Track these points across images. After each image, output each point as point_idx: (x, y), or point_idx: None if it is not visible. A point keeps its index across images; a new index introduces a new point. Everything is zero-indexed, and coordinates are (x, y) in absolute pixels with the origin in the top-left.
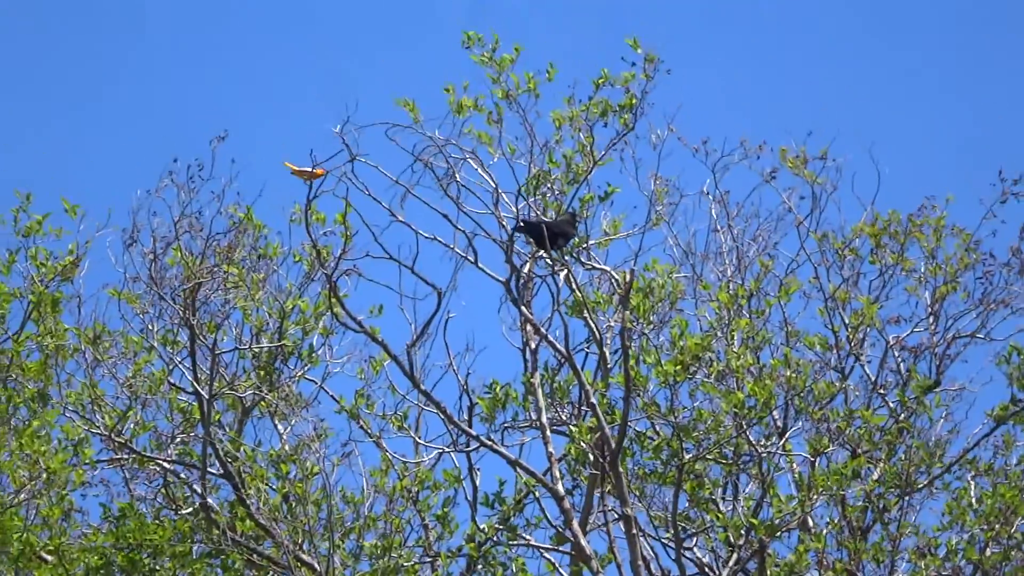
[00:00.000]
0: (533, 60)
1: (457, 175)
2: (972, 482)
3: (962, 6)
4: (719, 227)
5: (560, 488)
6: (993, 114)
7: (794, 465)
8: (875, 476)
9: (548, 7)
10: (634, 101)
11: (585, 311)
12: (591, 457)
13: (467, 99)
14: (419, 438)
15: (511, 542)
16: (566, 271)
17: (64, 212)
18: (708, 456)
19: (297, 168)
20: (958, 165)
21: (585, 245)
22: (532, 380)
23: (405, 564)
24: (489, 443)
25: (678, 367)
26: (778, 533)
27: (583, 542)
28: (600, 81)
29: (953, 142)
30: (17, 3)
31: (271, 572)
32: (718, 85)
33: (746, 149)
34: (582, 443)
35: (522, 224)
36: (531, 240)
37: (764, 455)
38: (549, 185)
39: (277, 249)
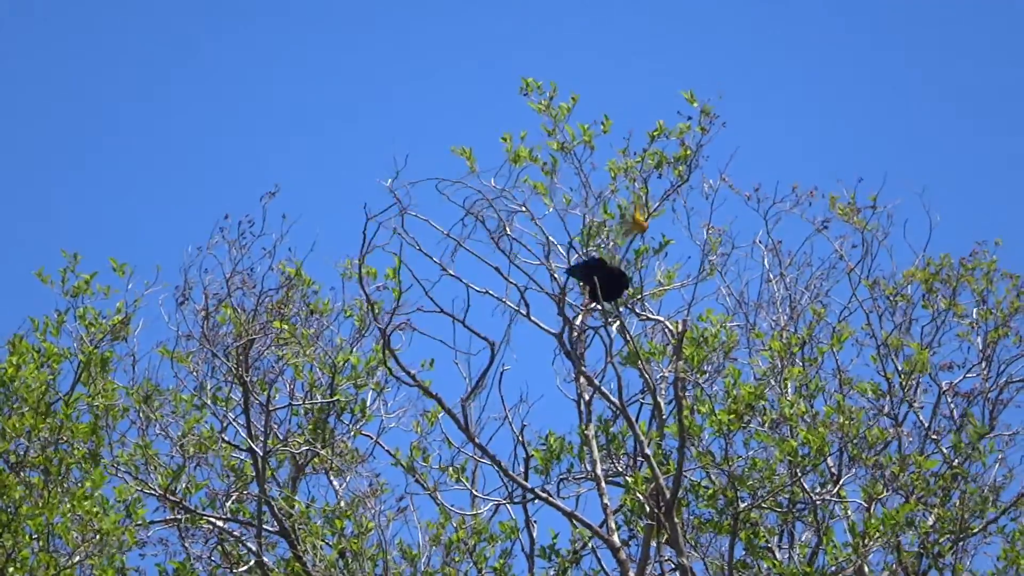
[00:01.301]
0: (589, 109)
1: (508, 228)
2: None
3: (1011, 49)
4: (771, 276)
5: (616, 539)
6: None
7: (849, 512)
8: (929, 522)
9: (605, 56)
10: (688, 153)
11: (639, 361)
12: (646, 508)
13: (524, 149)
14: (475, 491)
15: None
16: (619, 322)
17: (113, 271)
18: (763, 504)
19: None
20: (1009, 209)
21: (639, 296)
22: (587, 432)
23: None
24: (545, 495)
25: (732, 416)
26: None
27: None
28: (655, 133)
29: (1005, 185)
30: (61, 50)
31: None
32: (769, 132)
33: (798, 196)
34: (637, 494)
35: (572, 268)
36: (583, 285)
37: (819, 502)
38: (604, 236)
39: (328, 305)
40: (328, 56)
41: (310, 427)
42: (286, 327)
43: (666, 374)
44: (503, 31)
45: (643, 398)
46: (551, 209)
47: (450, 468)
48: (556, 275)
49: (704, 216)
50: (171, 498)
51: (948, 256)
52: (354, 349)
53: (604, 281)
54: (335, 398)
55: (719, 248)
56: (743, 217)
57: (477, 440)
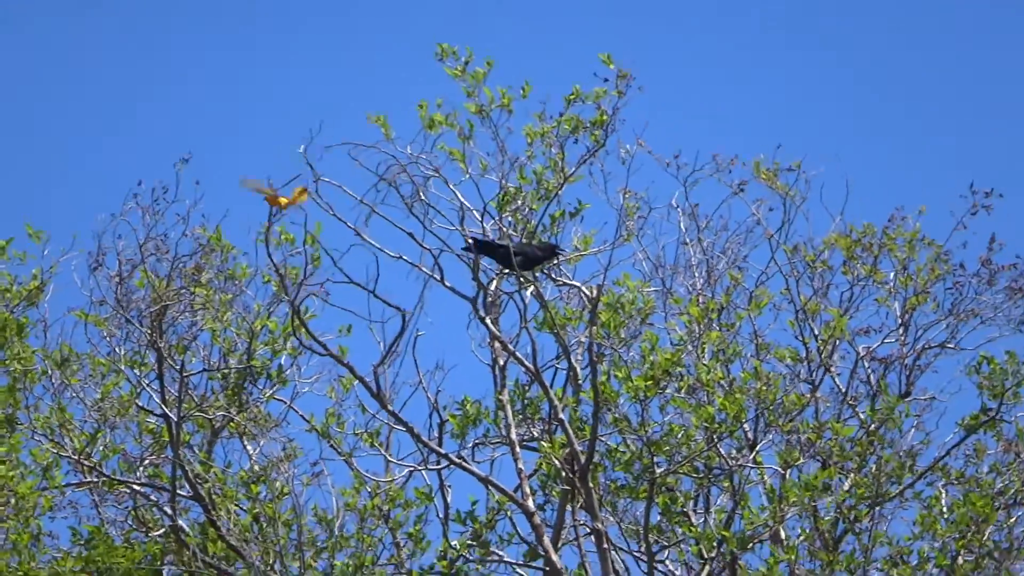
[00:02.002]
0: (505, 75)
1: (423, 193)
2: (943, 491)
3: (931, 17)
4: (688, 240)
5: (531, 504)
6: (963, 124)
7: (765, 477)
8: (846, 487)
9: (520, 23)
10: (605, 118)
11: (554, 327)
12: (561, 473)
13: (439, 115)
14: (390, 456)
15: (483, 559)
16: (534, 287)
17: (28, 237)
18: (679, 470)
19: (256, 184)
20: (925, 176)
21: (555, 261)
22: (501, 397)
23: None
24: (459, 461)
25: (648, 382)
26: (750, 545)
27: (555, 558)
28: (571, 97)
29: (921, 154)
30: None
31: None
32: (687, 99)
33: (717, 163)
34: (552, 458)
35: (471, 242)
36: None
37: (735, 468)
38: (520, 202)
39: (245, 270)
40: (244, 23)
41: (227, 392)
42: (203, 292)
43: (582, 339)
44: None
45: (558, 363)
46: (467, 175)
47: (364, 433)
48: (470, 240)
49: (621, 181)
50: (86, 463)
51: (871, 224)
52: (271, 314)
53: (511, 256)
54: (251, 363)
55: (636, 213)
56: (661, 182)
57: (390, 407)
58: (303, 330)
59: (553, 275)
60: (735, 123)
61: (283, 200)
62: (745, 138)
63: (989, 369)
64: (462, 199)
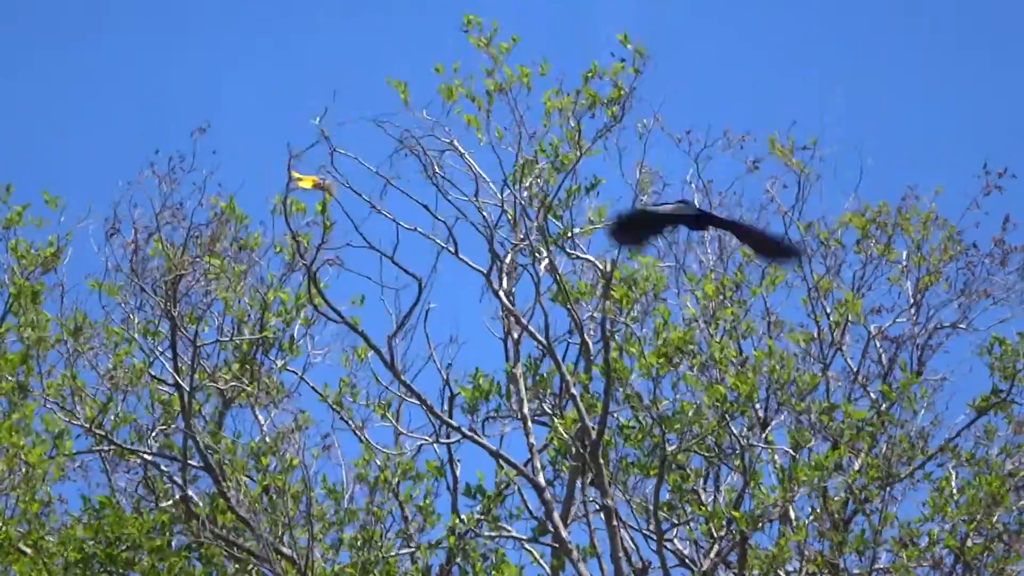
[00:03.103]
0: (527, 50)
1: (437, 165)
2: (954, 472)
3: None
4: None
5: (541, 479)
6: (977, 105)
7: (776, 457)
8: (856, 467)
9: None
10: (622, 93)
11: (567, 300)
12: (572, 448)
13: (458, 83)
14: (401, 428)
15: (492, 533)
16: (548, 260)
17: (45, 204)
18: (690, 448)
19: (302, 177)
20: (940, 156)
21: (570, 234)
22: (513, 371)
23: (386, 556)
24: (470, 434)
25: (661, 359)
26: (760, 524)
27: (564, 534)
28: (589, 74)
29: (936, 133)
30: None
31: (251, 565)
32: (704, 75)
33: (729, 139)
34: (563, 434)
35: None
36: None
37: (746, 447)
38: (536, 175)
39: (259, 240)
40: None
41: (238, 363)
42: (216, 262)
43: (595, 314)
44: None
45: (570, 338)
46: (483, 142)
47: (376, 403)
48: (486, 212)
49: (637, 156)
50: (98, 431)
51: (886, 203)
52: (284, 284)
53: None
54: (264, 334)
55: (651, 188)
56: (676, 158)
57: (403, 378)
58: (318, 296)
59: (567, 248)
60: (751, 100)
61: (328, 185)
62: (760, 115)
63: (1001, 350)
64: (479, 170)
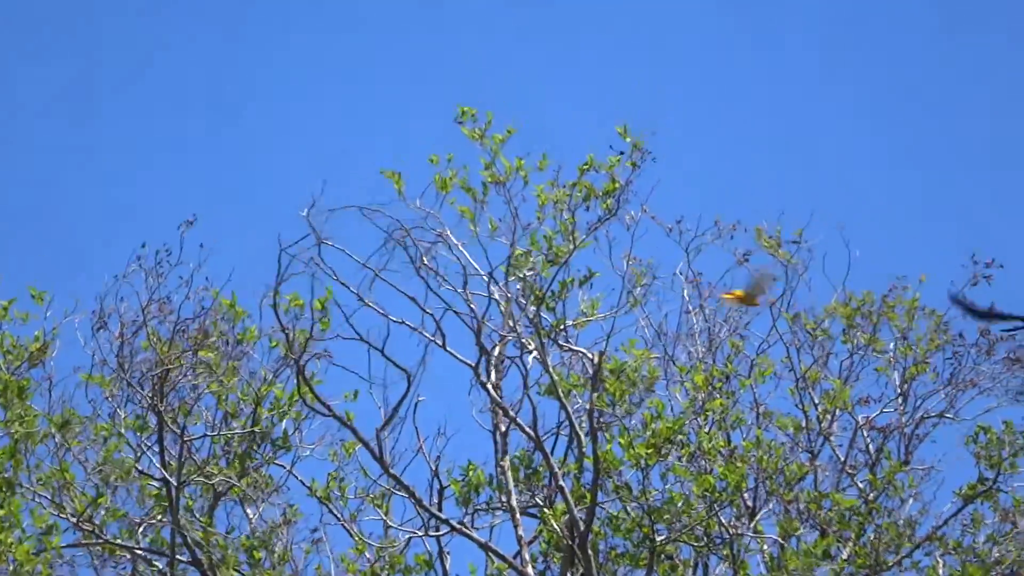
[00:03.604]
0: (524, 139)
1: (426, 258)
2: (941, 561)
3: (927, 88)
4: (691, 308)
5: (530, 572)
6: (963, 195)
7: (765, 546)
8: (844, 556)
9: (540, 83)
10: (617, 186)
11: (558, 393)
12: (562, 540)
13: (452, 173)
14: (391, 521)
15: None
16: (536, 352)
17: (31, 299)
18: (679, 538)
19: (733, 295)
20: (926, 246)
21: (562, 327)
22: (502, 464)
23: None
24: (459, 527)
25: (650, 449)
26: None
27: None
28: (586, 167)
29: (923, 224)
30: None
31: None
32: (692, 167)
33: (720, 229)
34: (553, 525)
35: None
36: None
37: (735, 536)
38: (529, 267)
39: (253, 333)
40: (246, 81)
41: (231, 457)
42: (209, 355)
43: (585, 406)
44: (437, 50)
45: (561, 430)
46: (476, 234)
47: (368, 495)
48: (473, 304)
49: (626, 247)
50: (86, 526)
51: (871, 293)
52: (276, 377)
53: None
54: (255, 428)
55: (643, 281)
56: (665, 249)
57: (391, 471)
58: (308, 391)
59: (560, 341)
60: (739, 190)
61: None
62: (749, 205)
63: (986, 439)
64: (470, 259)
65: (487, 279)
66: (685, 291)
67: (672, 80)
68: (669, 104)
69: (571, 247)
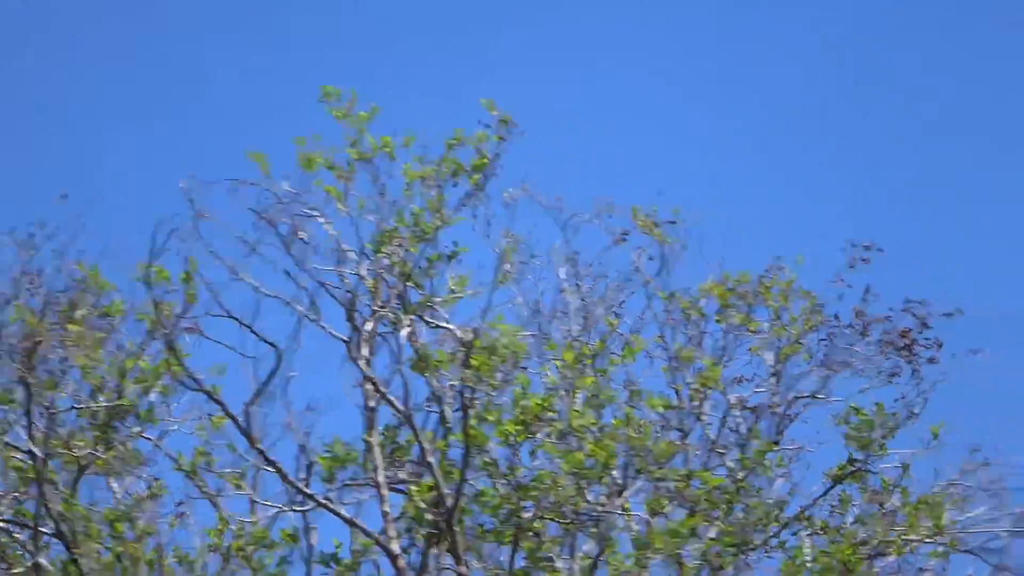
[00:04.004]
0: (389, 117)
1: (299, 232)
2: (808, 540)
3: (812, 69)
4: (567, 287)
5: (395, 547)
6: (840, 179)
7: (632, 524)
8: (712, 534)
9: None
10: (485, 162)
11: (427, 369)
12: (428, 516)
13: (319, 154)
14: (256, 497)
15: None
16: (409, 329)
17: None
18: (546, 515)
19: None
20: (805, 229)
21: (431, 303)
22: (369, 439)
23: None
24: (324, 502)
25: (519, 427)
26: None
27: None
28: (453, 142)
29: (800, 207)
30: None
31: None
32: (572, 147)
33: (597, 208)
34: (419, 502)
35: None
36: None
37: (602, 514)
38: (397, 243)
39: (119, 307)
40: (128, 56)
41: (97, 430)
42: (76, 328)
43: (455, 383)
44: (308, 34)
45: (430, 406)
46: (347, 212)
47: (230, 474)
48: (347, 279)
49: (504, 225)
50: None
51: (747, 273)
52: (144, 352)
53: None
54: (121, 402)
55: (515, 257)
56: (544, 229)
57: (259, 446)
58: (177, 365)
59: (428, 318)
60: (621, 170)
61: None
62: (630, 185)
63: (858, 420)
64: (339, 239)
65: (356, 256)
66: (561, 270)
67: (551, 63)
68: (549, 85)
69: (439, 223)
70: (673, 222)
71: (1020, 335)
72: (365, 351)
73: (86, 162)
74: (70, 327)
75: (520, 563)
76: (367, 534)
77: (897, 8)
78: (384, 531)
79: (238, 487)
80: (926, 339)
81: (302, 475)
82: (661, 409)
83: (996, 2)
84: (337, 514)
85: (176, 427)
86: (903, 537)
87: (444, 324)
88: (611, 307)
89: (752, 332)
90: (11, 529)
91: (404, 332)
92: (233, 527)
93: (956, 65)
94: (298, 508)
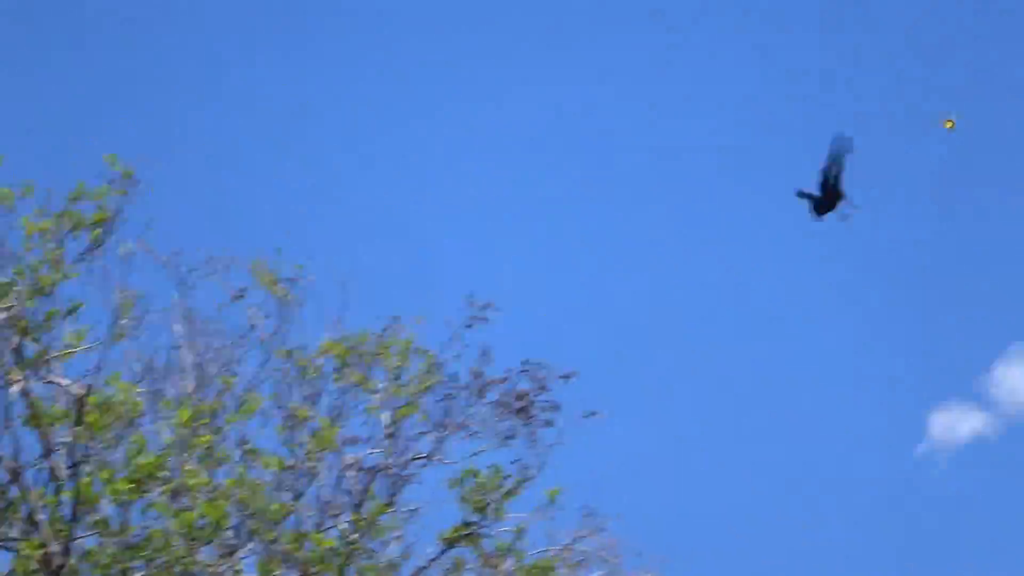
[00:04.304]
0: (10, 171)
1: None
2: None
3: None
4: (183, 343)
5: None
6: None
7: None
8: None
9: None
10: (106, 216)
11: (39, 425)
12: (38, 574)
13: None
14: None
15: None
16: (21, 383)
17: None
18: (157, 575)
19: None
20: (424, 288)
21: (45, 357)
22: None
23: None
24: None
25: (132, 484)
26: None
27: None
28: (75, 195)
29: (420, 266)
30: None
31: None
32: (192, 201)
33: (214, 264)
34: (28, 560)
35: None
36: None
37: (214, 575)
38: (15, 296)
39: None
40: None
41: None
42: None
43: (67, 439)
44: None
45: (41, 463)
46: None
47: None
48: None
49: (120, 279)
50: None
51: (366, 332)
52: None
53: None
54: None
55: (131, 312)
56: (161, 282)
57: None
58: None
59: (42, 373)
60: (242, 225)
61: None
62: (252, 240)
63: (473, 482)
64: None
65: None
66: (177, 326)
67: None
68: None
69: (58, 277)
70: (293, 279)
71: (636, 397)
72: None
73: None
74: None
75: None
76: None
77: None
78: None
79: None
80: (543, 401)
81: None
82: (276, 469)
83: None
84: None
85: None
86: None
87: (57, 380)
88: (227, 364)
89: (369, 392)
90: None
91: (16, 387)
92: None
93: None
94: None
